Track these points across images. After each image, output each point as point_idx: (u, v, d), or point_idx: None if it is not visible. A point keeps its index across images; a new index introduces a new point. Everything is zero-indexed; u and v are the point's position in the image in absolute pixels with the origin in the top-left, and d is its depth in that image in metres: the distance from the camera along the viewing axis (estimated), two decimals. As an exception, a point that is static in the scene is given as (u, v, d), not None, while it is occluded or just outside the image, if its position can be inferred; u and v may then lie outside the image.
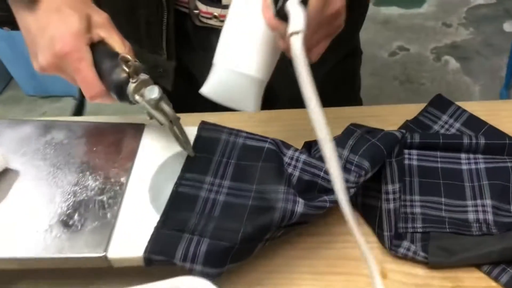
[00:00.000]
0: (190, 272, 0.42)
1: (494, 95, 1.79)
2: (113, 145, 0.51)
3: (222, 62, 0.45)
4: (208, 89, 0.47)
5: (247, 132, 0.52)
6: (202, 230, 0.43)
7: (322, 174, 0.48)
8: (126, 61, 0.45)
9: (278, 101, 0.65)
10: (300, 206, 0.44)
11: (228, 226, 0.44)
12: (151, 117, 0.46)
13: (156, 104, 0.45)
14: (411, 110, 0.62)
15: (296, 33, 0.36)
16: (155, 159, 0.50)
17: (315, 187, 0.49)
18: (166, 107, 0.46)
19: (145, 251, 0.42)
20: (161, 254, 0.42)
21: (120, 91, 0.46)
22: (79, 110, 1.68)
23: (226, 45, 0.45)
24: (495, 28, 2.10)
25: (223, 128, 0.52)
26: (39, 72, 0.47)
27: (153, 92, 0.45)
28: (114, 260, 0.43)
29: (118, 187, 0.47)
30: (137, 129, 0.53)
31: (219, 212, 0.45)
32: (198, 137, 0.51)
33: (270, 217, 0.44)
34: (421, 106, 0.62)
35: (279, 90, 0.61)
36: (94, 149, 0.51)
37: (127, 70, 0.45)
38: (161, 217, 0.45)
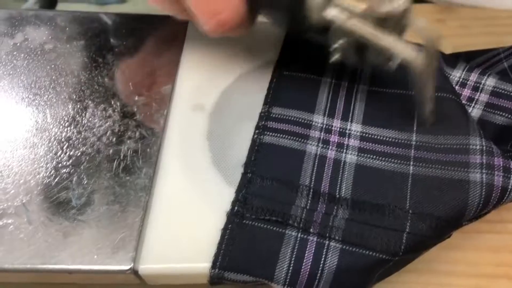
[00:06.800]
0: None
1: None
2: (136, 52, 0.28)
3: None
4: None
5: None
6: (325, 223, 0.22)
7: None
8: None
9: None
10: (518, 179, 0.22)
11: (379, 217, 0.22)
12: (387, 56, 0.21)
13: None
14: None
15: None
16: (212, 83, 0.27)
17: (510, 138, 0.26)
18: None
19: (214, 264, 0.21)
20: (243, 271, 0.21)
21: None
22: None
23: None
24: None
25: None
26: None
27: None
28: (148, 276, 0.22)
29: (149, 134, 0.25)
30: (177, 29, 0.29)
31: (351, 187, 0.23)
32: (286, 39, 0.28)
33: (460, 200, 0.22)
34: None
35: None
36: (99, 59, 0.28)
37: None
38: (237, 193, 0.23)
